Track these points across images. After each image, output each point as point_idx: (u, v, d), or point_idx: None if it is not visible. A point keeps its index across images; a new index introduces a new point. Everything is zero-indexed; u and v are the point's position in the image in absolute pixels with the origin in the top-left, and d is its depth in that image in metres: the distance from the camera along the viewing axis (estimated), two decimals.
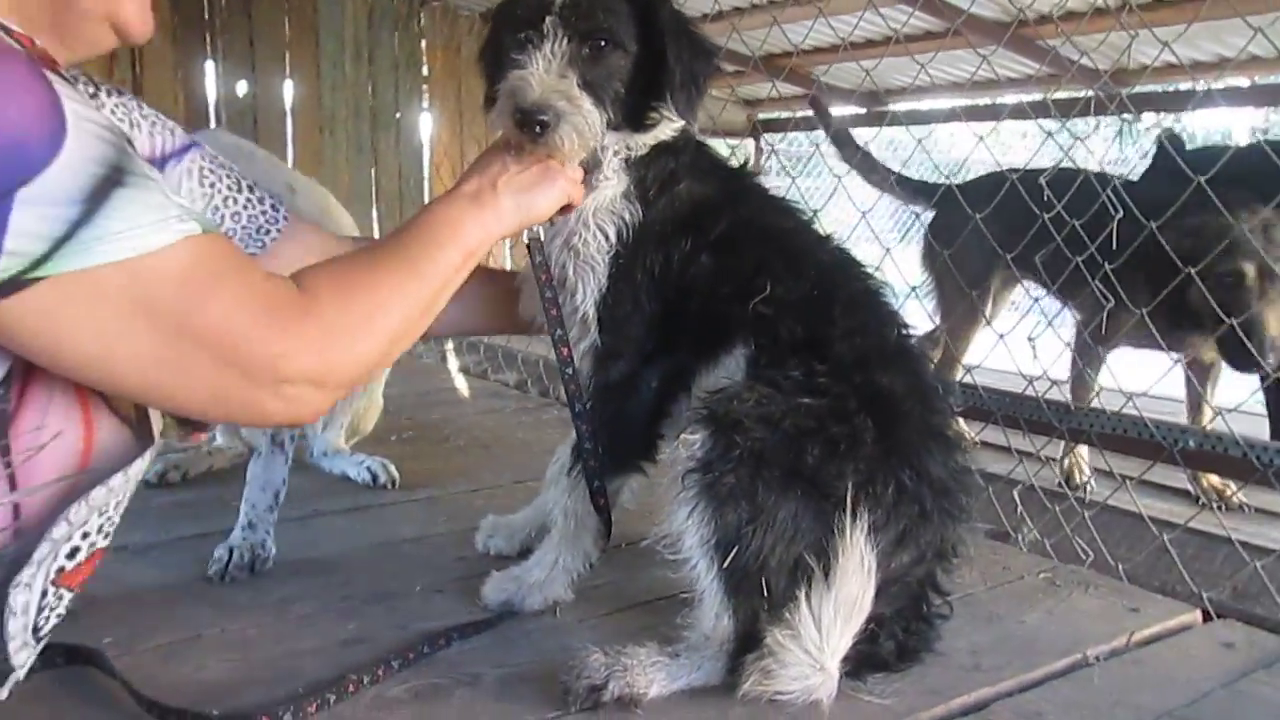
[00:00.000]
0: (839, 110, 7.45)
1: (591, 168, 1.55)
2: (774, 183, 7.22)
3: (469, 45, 6.54)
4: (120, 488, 1.15)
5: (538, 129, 1.39)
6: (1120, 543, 2.09)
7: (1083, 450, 2.61)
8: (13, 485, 1.04)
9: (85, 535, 1.14)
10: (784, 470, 1.34)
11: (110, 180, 0.96)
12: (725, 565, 1.34)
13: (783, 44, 6.08)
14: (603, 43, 1.46)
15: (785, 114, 7.46)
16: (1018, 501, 2.16)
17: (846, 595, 1.33)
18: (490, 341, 4.06)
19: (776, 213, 1.65)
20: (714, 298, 1.54)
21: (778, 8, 5.47)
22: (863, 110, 7.26)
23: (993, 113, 6.09)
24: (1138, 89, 6.00)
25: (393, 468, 2.39)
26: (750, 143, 7.68)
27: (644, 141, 1.56)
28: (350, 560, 1.92)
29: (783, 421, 1.36)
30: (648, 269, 1.57)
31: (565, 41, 1.43)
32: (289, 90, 5.87)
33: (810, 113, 7.64)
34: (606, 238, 1.57)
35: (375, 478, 2.36)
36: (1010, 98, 6.69)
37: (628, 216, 1.56)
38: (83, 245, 0.94)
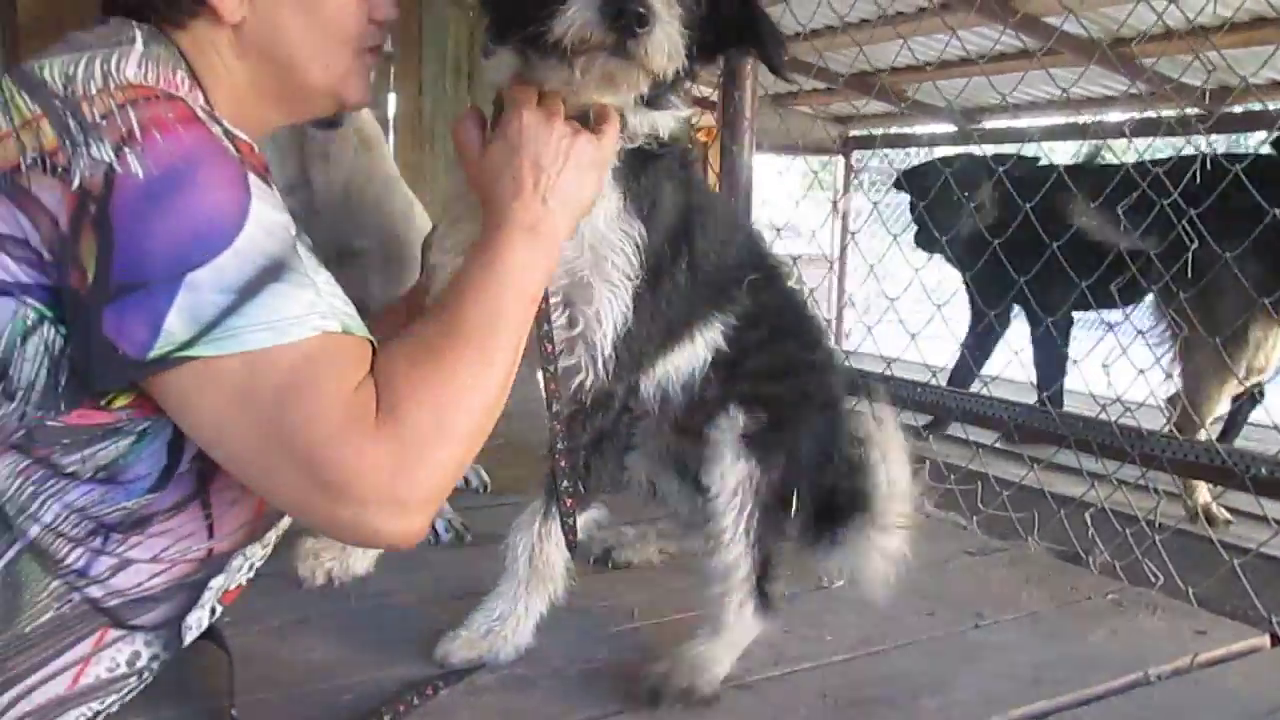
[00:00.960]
0: (931, 127, 7.44)
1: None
2: (864, 200, 7.22)
3: None
4: (285, 523, 1.31)
5: (636, 26, 1.13)
6: (1192, 567, 2.10)
7: (1202, 487, 2.59)
8: (211, 533, 1.19)
9: (252, 565, 1.31)
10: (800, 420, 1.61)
11: (268, 273, 1.02)
12: (763, 502, 1.53)
13: (874, 62, 6.12)
14: None
15: (876, 131, 7.49)
16: (1089, 524, 2.19)
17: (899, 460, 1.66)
18: None
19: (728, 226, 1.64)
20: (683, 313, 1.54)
21: (868, 27, 5.51)
22: (954, 128, 7.24)
23: (1092, 131, 6.03)
24: (1240, 108, 5.90)
25: (484, 473, 2.52)
26: (840, 159, 7.74)
27: (664, 122, 1.40)
28: (444, 559, 2.04)
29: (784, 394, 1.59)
30: (662, 291, 1.46)
31: None
32: (392, 102, 6.13)
33: (901, 129, 7.64)
34: (626, 248, 1.40)
35: (468, 481, 2.49)
36: (1109, 115, 6.62)
37: (636, 223, 1.41)
38: (225, 332, 1.00)
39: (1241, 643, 1.81)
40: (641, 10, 1.13)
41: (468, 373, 1.12)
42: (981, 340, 4.32)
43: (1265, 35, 4.76)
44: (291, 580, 1.84)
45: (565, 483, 1.47)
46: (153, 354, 0.99)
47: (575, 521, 1.49)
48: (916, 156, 7.97)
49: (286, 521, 1.34)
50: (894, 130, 7.52)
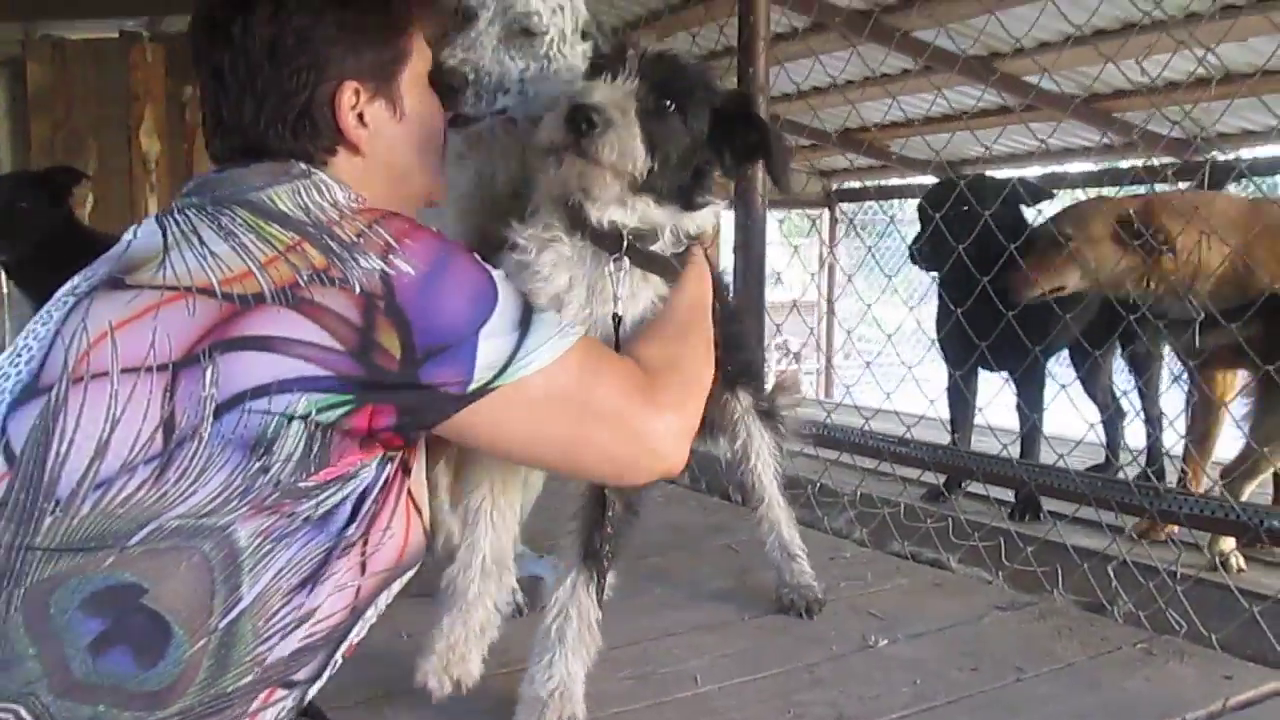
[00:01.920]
0: (914, 180, 7.65)
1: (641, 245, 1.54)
2: (850, 245, 7.36)
3: None
4: (399, 585, 1.41)
5: (584, 126, 1.37)
6: (1212, 614, 2.21)
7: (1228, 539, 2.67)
8: (363, 571, 1.30)
9: (367, 622, 1.39)
10: None
11: (527, 311, 1.29)
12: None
13: (859, 119, 6.32)
14: (669, 102, 1.47)
15: (861, 184, 7.69)
16: (1111, 576, 2.31)
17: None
18: None
19: None
20: None
21: (855, 88, 5.70)
22: (936, 179, 7.46)
23: (1067, 180, 6.24)
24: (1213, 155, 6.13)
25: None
26: (825, 212, 7.92)
27: (697, 223, 1.58)
28: (508, 629, 2.10)
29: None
30: None
31: (637, 81, 1.44)
32: None
33: (883, 182, 7.83)
34: None
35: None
36: (1080, 165, 6.85)
37: None
38: (522, 359, 1.26)
39: (1268, 685, 1.92)
40: (592, 115, 1.36)
41: (696, 350, 1.51)
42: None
43: (1234, 90, 4.97)
44: (368, 655, 1.90)
45: (607, 548, 1.61)
46: (472, 388, 1.24)
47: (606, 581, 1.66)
48: (901, 207, 8.17)
49: (407, 577, 1.42)
50: (879, 182, 7.71)
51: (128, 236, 1.30)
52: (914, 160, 7.10)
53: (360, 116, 1.38)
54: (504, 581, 1.67)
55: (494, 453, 1.43)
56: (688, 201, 1.55)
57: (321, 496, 1.22)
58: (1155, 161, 6.79)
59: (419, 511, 1.39)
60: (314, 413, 1.18)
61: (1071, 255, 2.86)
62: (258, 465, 1.17)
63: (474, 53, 1.66)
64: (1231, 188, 3.52)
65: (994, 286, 2.78)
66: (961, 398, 3.37)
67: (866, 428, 2.81)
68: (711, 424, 2.06)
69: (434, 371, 1.21)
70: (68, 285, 1.28)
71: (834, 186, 8.03)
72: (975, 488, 2.80)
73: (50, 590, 1.11)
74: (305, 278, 1.18)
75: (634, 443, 1.35)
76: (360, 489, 1.27)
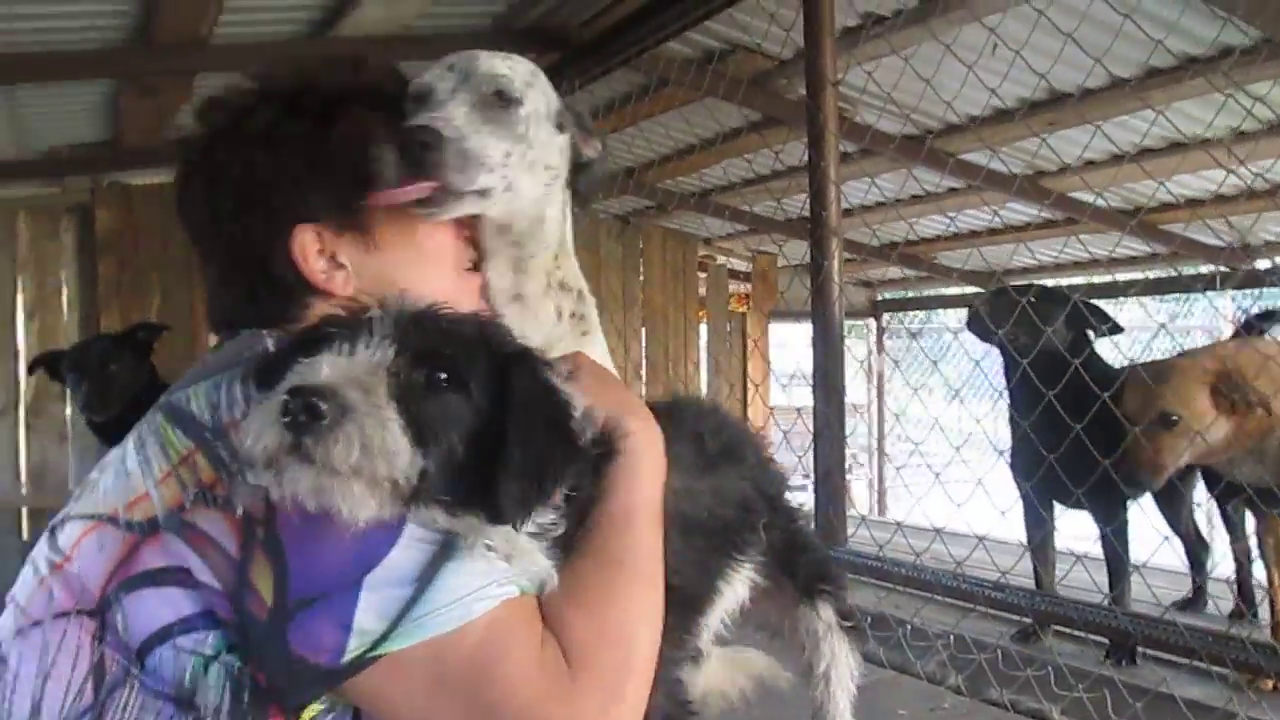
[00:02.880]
0: (956, 290, 7.71)
1: None
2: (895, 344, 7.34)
3: (608, 245, 7.06)
4: None
5: (304, 417, 0.89)
6: None
7: None
8: None
9: None
10: None
11: (439, 556, 1.00)
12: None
13: (907, 233, 6.42)
14: (442, 374, 1.00)
15: (906, 294, 7.76)
16: None
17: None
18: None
19: None
20: None
21: (905, 206, 5.80)
22: (980, 289, 7.51)
23: (1114, 290, 6.27)
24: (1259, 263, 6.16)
25: None
26: (871, 321, 7.98)
27: (530, 528, 1.07)
28: None
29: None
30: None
31: (391, 350, 0.98)
32: None
33: (928, 292, 7.88)
34: None
35: None
36: (1127, 274, 6.88)
37: None
38: (411, 623, 0.98)
39: None
40: (315, 401, 0.88)
41: (638, 601, 1.12)
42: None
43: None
44: None
45: None
46: (346, 659, 0.98)
47: None
48: (943, 315, 8.20)
49: None
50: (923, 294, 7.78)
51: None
52: (954, 269, 7.16)
53: (333, 257, 1.22)
54: None
55: None
56: (495, 509, 1.00)
57: None
58: (1201, 269, 6.90)
59: None
60: (222, 653, 1.03)
61: (1184, 434, 2.70)
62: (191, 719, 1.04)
63: (444, 114, 1.30)
64: None
65: (1072, 425, 2.70)
66: (1042, 534, 3.29)
67: (959, 570, 2.78)
68: (774, 629, 1.62)
69: (302, 634, 0.98)
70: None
71: (878, 296, 8.10)
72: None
73: None
74: (191, 497, 1.01)
75: None
76: None
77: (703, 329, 7.64)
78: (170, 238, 5.80)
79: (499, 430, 1.01)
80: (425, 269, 1.27)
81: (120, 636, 1.04)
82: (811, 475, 3.28)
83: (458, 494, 1.00)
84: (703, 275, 7.69)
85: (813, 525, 3.25)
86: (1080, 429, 2.57)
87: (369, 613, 0.97)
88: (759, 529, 1.45)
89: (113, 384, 3.92)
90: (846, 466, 7.92)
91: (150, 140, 4.96)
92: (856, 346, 8.29)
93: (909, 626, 2.87)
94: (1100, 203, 5.30)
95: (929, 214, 5.86)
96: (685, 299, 7.48)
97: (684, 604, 1.27)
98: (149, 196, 5.80)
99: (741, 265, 7.94)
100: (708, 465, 1.36)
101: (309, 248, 1.21)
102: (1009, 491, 3.45)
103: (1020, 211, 5.75)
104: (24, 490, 5.65)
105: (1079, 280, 7.06)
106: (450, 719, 1.01)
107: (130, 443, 1.10)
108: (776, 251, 7.33)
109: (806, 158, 3.18)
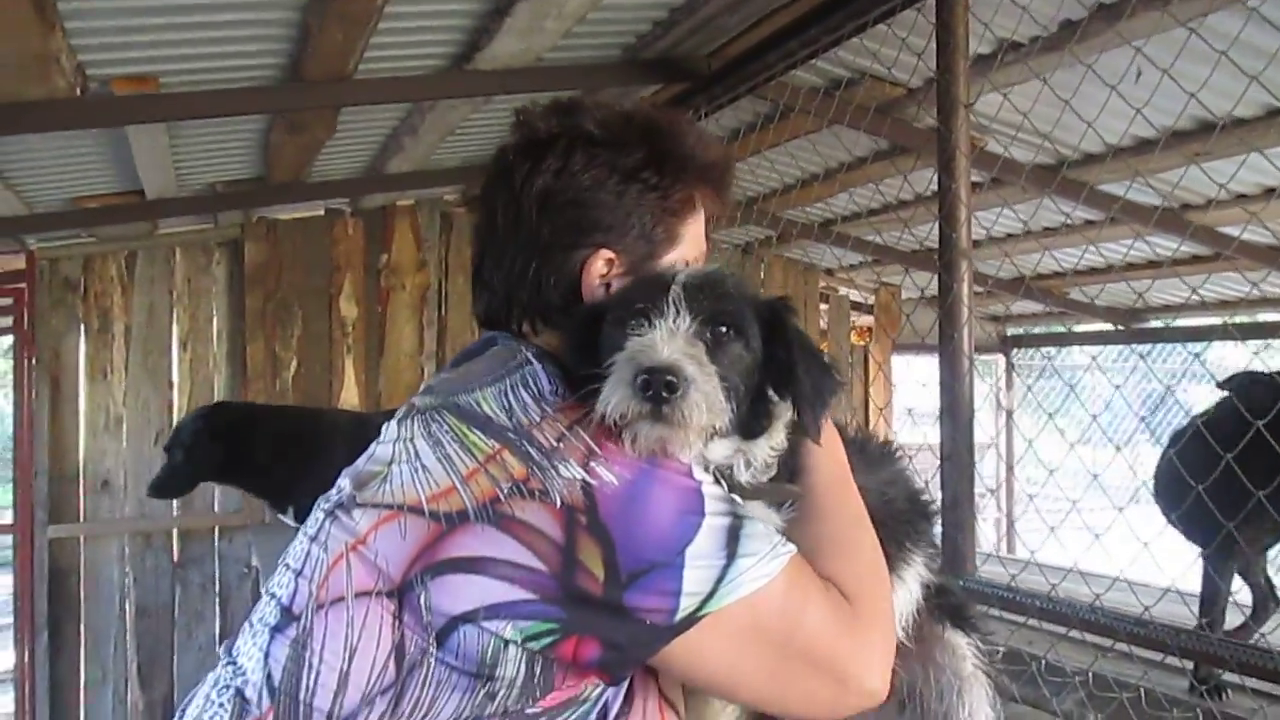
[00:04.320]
0: (1090, 326, 7.47)
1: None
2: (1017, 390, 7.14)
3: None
4: None
5: (665, 393, 1.13)
6: None
7: None
8: None
9: None
10: None
11: (736, 526, 1.17)
12: None
13: (1034, 264, 6.25)
14: (726, 329, 1.24)
15: (1036, 329, 7.55)
16: None
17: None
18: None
19: None
20: None
21: (1035, 238, 5.66)
22: (1112, 326, 7.26)
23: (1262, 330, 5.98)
24: None
25: None
26: (1000, 358, 7.78)
27: (769, 449, 1.32)
28: None
29: None
30: None
31: (689, 318, 1.21)
32: None
33: (1056, 328, 7.66)
34: None
35: None
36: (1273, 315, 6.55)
37: None
38: (728, 586, 1.14)
39: None
40: (670, 378, 1.13)
41: (874, 548, 1.32)
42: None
43: None
44: None
45: None
46: (679, 617, 1.13)
47: None
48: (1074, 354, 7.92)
49: None
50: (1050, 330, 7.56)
51: (377, 439, 1.26)
52: (1088, 306, 6.93)
53: (608, 288, 1.33)
54: None
55: (686, 682, 1.28)
56: (748, 429, 1.28)
57: (560, 715, 1.18)
58: None
59: (669, 702, 1.31)
60: (520, 640, 1.13)
61: None
62: (484, 692, 1.14)
63: None
64: None
65: None
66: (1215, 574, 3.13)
67: (1097, 603, 2.67)
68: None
69: (639, 597, 1.12)
70: (323, 496, 1.26)
71: (1006, 332, 7.90)
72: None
73: None
74: (505, 491, 1.12)
75: (841, 683, 1.20)
76: (599, 708, 1.20)
77: None
78: (312, 269, 6.10)
79: (770, 368, 1.29)
80: None
81: (422, 617, 1.13)
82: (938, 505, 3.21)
83: (743, 427, 1.26)
84: (824, 307, 7.64)
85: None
86: None
87: (695, 579, 1.13)
88: (930, 518, 1.58)
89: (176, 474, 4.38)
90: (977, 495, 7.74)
91: (296, 175, 5.22)
92: (982, 385, 8.10)
93: (1043, 662, 2.77)
94: (1248, 237, 5.07)
95: (1060, 246, 5.70)
96: (806, 329, 7.44)
97: None
98: (292, 229, 6.11)
99: (863, 297, 7.86)
100: (871, 464, 1.51)
101: (597, 269, 1.34)
102: (1147, 527, 3.32)
103: (1160, 245, 5.54)
104: (175, 513, 5.96)
105: (1218, 320, 6.77)
106: (766, 665, 1.18)
107: (412, 443, 1.19)
108: (899, 284, 7.23)
109: (934, 186, 3.14)
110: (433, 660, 1.13)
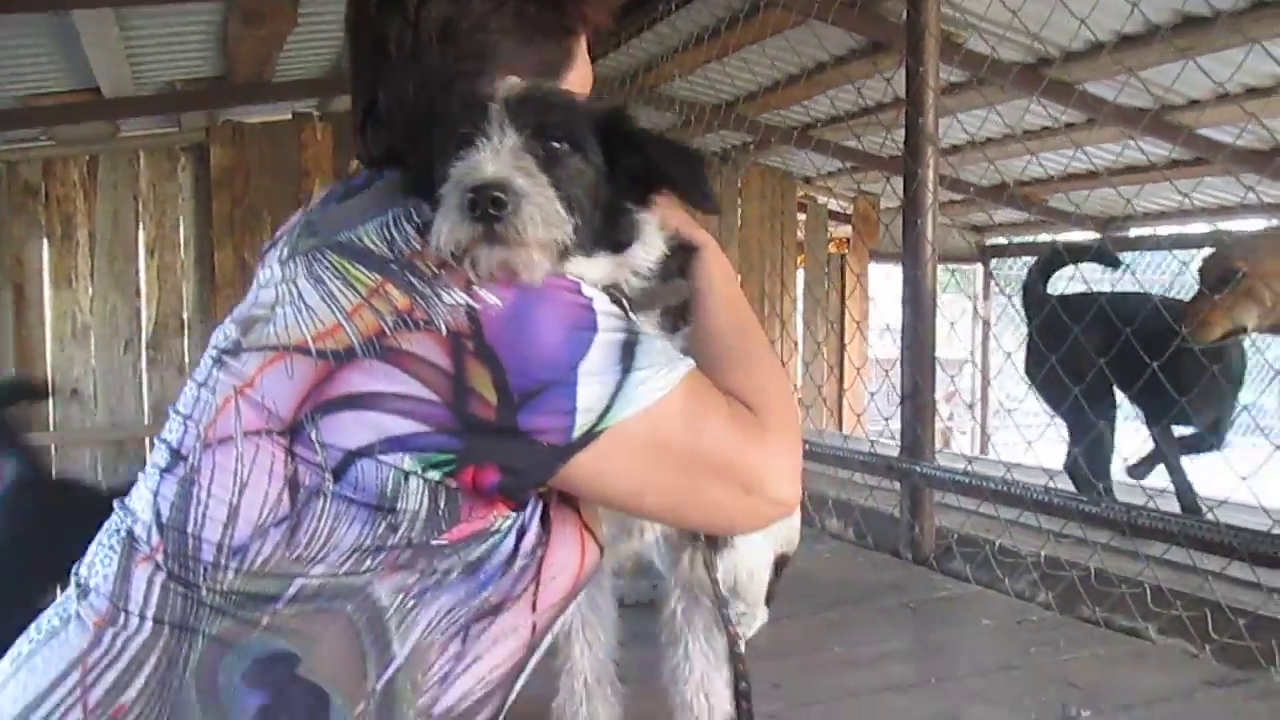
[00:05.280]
0: (1069, 235, 7.41)
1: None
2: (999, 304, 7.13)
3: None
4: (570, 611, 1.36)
5: (494, 210, 1.06)
6: None
7: None
8: (535, 609, 1.25)
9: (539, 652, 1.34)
10: None
11: (631, 340, 1.15)
12: None
13: (1003, 173, 6.17)
14: (558, 141, 1.17)
15: (1013, 239, 7.48)
16: None
17: None
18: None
19: None
20: None
21: (1013, 141, 5.57)
22: (1095, 235, 7.19)
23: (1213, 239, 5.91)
24: None
25: None
26: (979, 268, 7.73)
27: (643, 259, 1.28)
28: None
29: None
30: None
31: (514, 133, 1.15)
32: None
33: (1035, 238, 7.60)
34: None
35: None
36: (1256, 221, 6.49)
37: None
38: (625, 400, 1.12)
39: None
40: (498, 194, 1.07)
41: (772, 357, 1.35)
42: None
43: None
44: None
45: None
46: (576, 434, 1.11)
47: None
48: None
49: (573, 607, 1.37)
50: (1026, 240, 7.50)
51: (255, 282, 1.24)
52: (1069, 214, 6.86)
53: None
54: (610, 698, 1.57)
55: (592, 500, 1.26)
56: (615, 244, 1.24)
57: (464, 552, 1.17)
58: None
59: (590, 530, 1.30)
60: (419, 470, 1.12)
61: (1248, 291, 2.75)
62: (385, 524, 1.13)
63: None
64: None
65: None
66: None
67: (1051, 484, 2.67)
68: None
69: (533, 418, 1.10)
70: (211, 340, 1.23)
71: (986, 242, 7.83)
72: (1175, 554, 2.59)
73: (218, 657, 1.11)
74: (391, 324, 1.10)
75: (747, 492, 1.20)
76: (512, 539, 1.20)
77: (799, 274, 7.51)
78: (281, 174, 5.99)
79: (621, 179, 1.23)
80: None
81: (316, 453, 1.11)
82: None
83: (595, 241, 1.20)
84: (801, 217, 7.56)
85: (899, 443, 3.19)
86: None
87: (589, 395, 1.11)
88: None
89: None
90: (948, 415, 7.74)
91: (259, 73, 5.09)
92: (960, 298, 8.07)
93: (997, 544, 2.78)
94: (1238, 142, 4.98)
95: (1044, 150, 5.61)
96: (783, 239, 7.36)
97: None
98: (259, 133, 5.99)
99: (841, 207, 7.77)
100: None
101: None
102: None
103: (1149, 148, 5.45)
104: (146, 421, 5.93)
105: (1202, 226, 6.71)
106: (670, 477, 1.17)
107: (295, 284, 1.15)
108: (879, 193, 7.14)
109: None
110: (329, 494, 1.11)
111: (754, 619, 2.30)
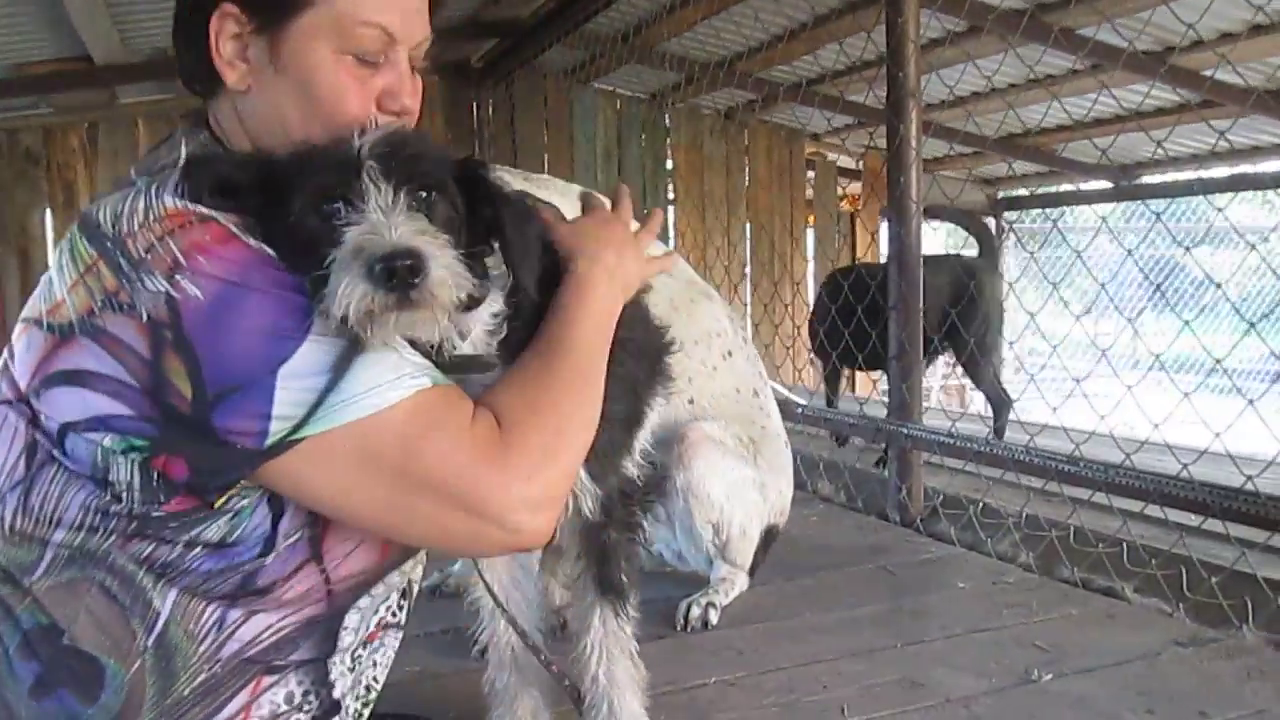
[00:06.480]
0: (1084, 185, 7.29)
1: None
2: (1014, 257, 7.07)
3: (711, 142, 6.92)
4: (409, 569, 1.36)
5: (411, 278, 1.06)
6: None
7: None
8: (328, 580, 1.24)
9: (388, 608, 1.35)
10: None
11: (350, 350, 1.10)
12: None
13: (1020, 123, 6.06)
14: (428, 193, 1.17)
15: (1026, 191, 7.36)
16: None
17: None
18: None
19: None
20: None
21: (1015, 91, 5.47)
22: (1109, 184, 7.07)
23: (1247, 182, 5.80)
24: None
25: None
26: (991, 220, 7.62)
27: (488, 316, 1.28)
28: None
29: None
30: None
31: (394, 191, 1.13)
32: None
33: (1054, 188, 7.50)
34: None
35: None
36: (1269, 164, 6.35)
37: None
38: (330, 410, 1.09)
39: None
40: (411, 263, 1.06)
41: (575, 389, 1.28)
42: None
43: None
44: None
45: (622, 576, 1.52)
46: (269, 441, 1.08)
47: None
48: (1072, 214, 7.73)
49: (411, 564, 1.38)
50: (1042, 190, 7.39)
51: None
52: (1082, 164, 6.75)
53: (245, 50, 1.24)
54: (535, 665, 1.57)
55: (299, 504, 1.20)
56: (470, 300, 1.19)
57: (199, 529, 1.15)
58: None
59: None
60: (119, 450, 1.11)
61: None
62: (109, 495, 1.14)
63: None
64: None
65: None
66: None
67: (1031, 444, 2.65)
68: None
69: (226, 418, 1.07)
70: None
71: (998, 195, 7.72)
72: (1154, 510, 2.57)
73: None
74: (99, 303, 1.09)
75: (470, 517, 1.15)
76: (261, 521, 1.18)
77: (809, 233, 7.44)
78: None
79: (475, 230, 1.22)
80: (308, 108, 1.25)
81: (43, 424, 1.15)
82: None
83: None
84: (810, 174, 7.47)
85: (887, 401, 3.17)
86: None
87: (286, 401, 1.08)
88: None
89: None
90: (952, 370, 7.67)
91: None
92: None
93: (980, 505, 2.77)
94: (1234, 79, 4.85)
95: (1039, 100, 5.49)
96: (792, 197, 7.28)
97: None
98: None
99: (853, 163, 7.66)
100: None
101: (227, 28, 1.24)
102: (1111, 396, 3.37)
103: (1139, 91, 5.33)
104: None
105: (1221, 170, 6.58)
106: (375, 491, 1.13)
107: (58, 254, 1.18)
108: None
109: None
110: (57, 462, 1.15)
111: (733, 586, 2.31)
